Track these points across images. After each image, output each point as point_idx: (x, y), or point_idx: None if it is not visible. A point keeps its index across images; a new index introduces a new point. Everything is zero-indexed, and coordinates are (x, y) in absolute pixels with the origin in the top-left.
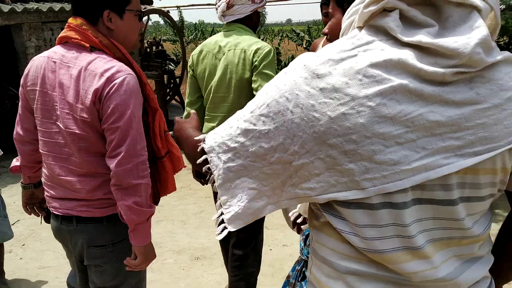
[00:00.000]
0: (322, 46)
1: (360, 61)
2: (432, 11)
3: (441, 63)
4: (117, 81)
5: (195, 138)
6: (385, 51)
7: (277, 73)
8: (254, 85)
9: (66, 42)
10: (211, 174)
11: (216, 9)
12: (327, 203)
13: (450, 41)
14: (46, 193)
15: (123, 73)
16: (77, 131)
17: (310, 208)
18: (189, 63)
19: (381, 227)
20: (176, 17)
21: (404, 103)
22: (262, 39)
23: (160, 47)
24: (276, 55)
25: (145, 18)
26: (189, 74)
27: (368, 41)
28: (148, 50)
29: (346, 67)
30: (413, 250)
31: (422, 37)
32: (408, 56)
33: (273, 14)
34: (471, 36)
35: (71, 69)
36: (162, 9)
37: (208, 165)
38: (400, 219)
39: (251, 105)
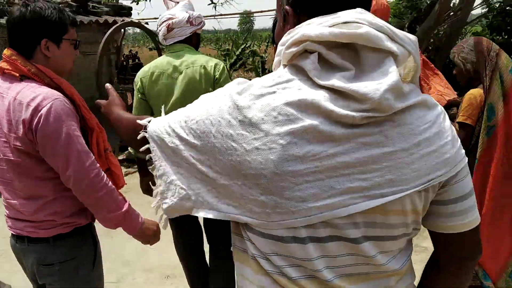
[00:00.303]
0: None
1: (277, 99)
2: (352, 54)
3: (353, 107)
4: (44, 110)
5: (137, 122)
6: (301, 90)
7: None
8: None
9: (4, 73)
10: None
11: (158, 33)
12: (244, 229)
13: (361, 86)
14: (4, 213)
15: (49, 100)
16: (12, 158)
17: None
18: (137, 86)
19: (289, 257)
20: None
21: (314, 143)
22: (249, 46)
23: (137, 60)
24: (262, 64)
25: (122, 31)
26: (136, 98)
27: (288, 80)
28: (125, 63)
29: (264, 103)
30: (322, 281)
31: (335, 81)
32: (322, 97)
33: (262, 20)
34: (382, 82)
35: (4, 99)
36: (141, 21)
37: (150, 155)
38: (306, 254)
39: (186, 113)
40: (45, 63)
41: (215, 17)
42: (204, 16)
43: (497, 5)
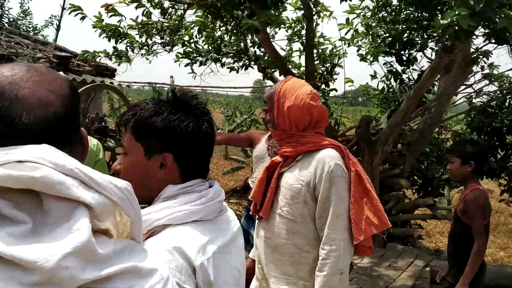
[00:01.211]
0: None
1: None
2: (35, 201)
3: (20, 279)
4: None
5: None
6: None
7: None
8: None
9: None
10: None
11: None
12: None
13: (29, 251)
14: None
15: None
16: None
17: None
18: None
19: None
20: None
21: None
22: (253, 113)
23: (103, 123)
24: None
25: (90, 93)
26: None
27: None
28: (88, 126)
29: None
30: None
31: None
32: None
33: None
34: (60, 244)
35: None
36: (122, 83)
37: None
38: None
39: None
40: None
41: (224, 89)
42: (216, 87)
43: (478, 104)
